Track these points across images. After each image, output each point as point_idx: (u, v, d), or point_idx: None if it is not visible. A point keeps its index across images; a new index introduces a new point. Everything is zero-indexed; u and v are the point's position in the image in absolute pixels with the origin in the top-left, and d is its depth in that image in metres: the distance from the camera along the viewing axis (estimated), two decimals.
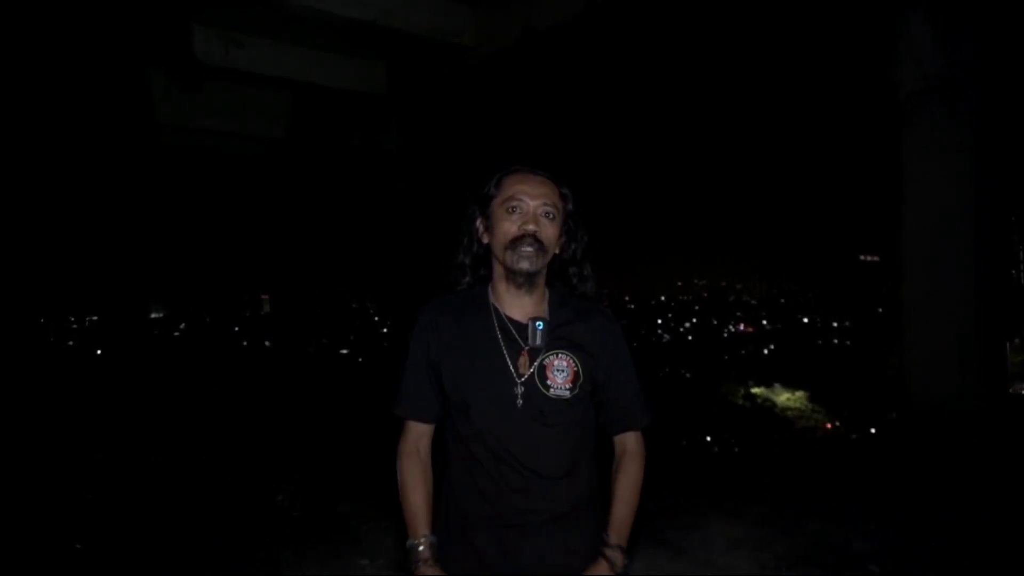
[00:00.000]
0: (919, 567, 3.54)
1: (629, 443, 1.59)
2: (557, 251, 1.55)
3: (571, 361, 1.49)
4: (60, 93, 9.51)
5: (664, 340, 61.62)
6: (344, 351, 42.61)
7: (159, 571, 3.84)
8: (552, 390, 1.46)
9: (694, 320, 69.40)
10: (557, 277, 1.61)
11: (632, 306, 75.76)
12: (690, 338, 62.67)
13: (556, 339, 1.50)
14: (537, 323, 1.48)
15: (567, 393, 1.47)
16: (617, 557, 1.50)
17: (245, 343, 44.35)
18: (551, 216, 1.49)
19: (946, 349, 5.06)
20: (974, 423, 4.76)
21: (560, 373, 1.47)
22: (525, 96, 7.86)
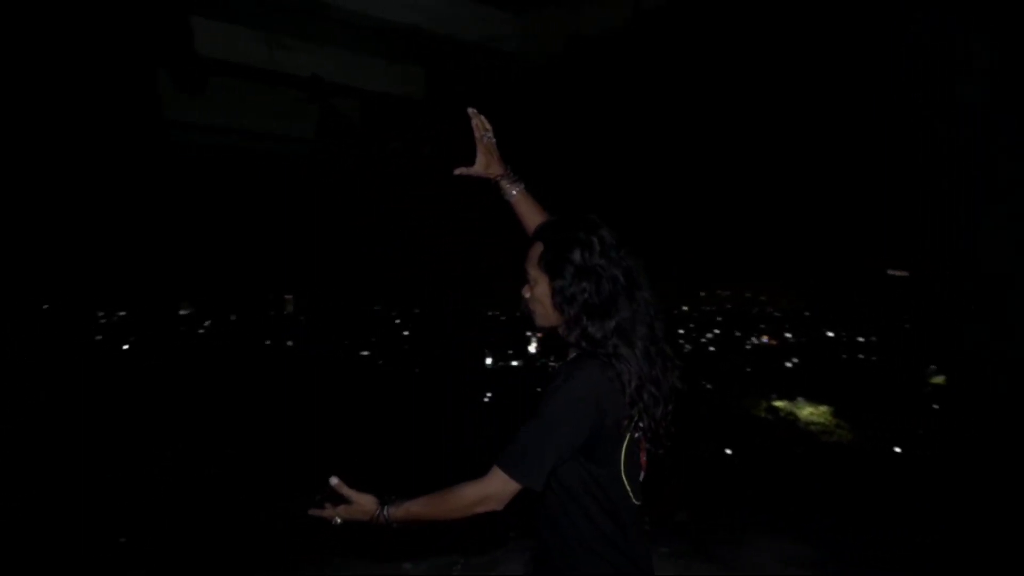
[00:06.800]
0: None
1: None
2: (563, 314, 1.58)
3: None
4: (84, 97, 9.60)
5: (684, 350, 61.00)
6: (365, 353, 42.84)
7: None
8: None
9: (716, 331, 68.60)
10: None
11: None
12: (711, 349, 61.94)
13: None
14: (550, 365, 1.59)
15: None
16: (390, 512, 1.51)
17: (268, 342, 44.75)
18: (528, 283, 1.63)
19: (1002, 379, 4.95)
20: None
21: None
22: (572, 105, 7.82)
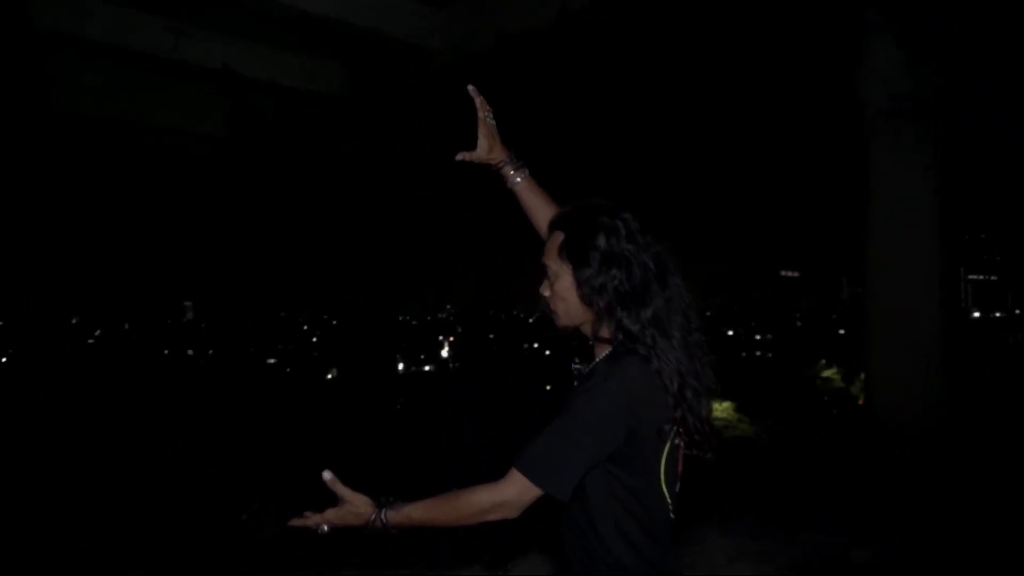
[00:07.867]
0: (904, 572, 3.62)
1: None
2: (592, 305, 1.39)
3: None
4: None
5: None
6: (272, 360, 41.42)
7: None
8: None
9: None
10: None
11: None
12: None
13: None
14: (573, 367, 1.50)
15: None
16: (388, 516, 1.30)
17: (166, 351, 42.59)
18: (548, 278, 1.44)
19: (910, 363, 5.23)
20: (939, 434, 4.94)
21: None
22: (495, 103, 7.70)
